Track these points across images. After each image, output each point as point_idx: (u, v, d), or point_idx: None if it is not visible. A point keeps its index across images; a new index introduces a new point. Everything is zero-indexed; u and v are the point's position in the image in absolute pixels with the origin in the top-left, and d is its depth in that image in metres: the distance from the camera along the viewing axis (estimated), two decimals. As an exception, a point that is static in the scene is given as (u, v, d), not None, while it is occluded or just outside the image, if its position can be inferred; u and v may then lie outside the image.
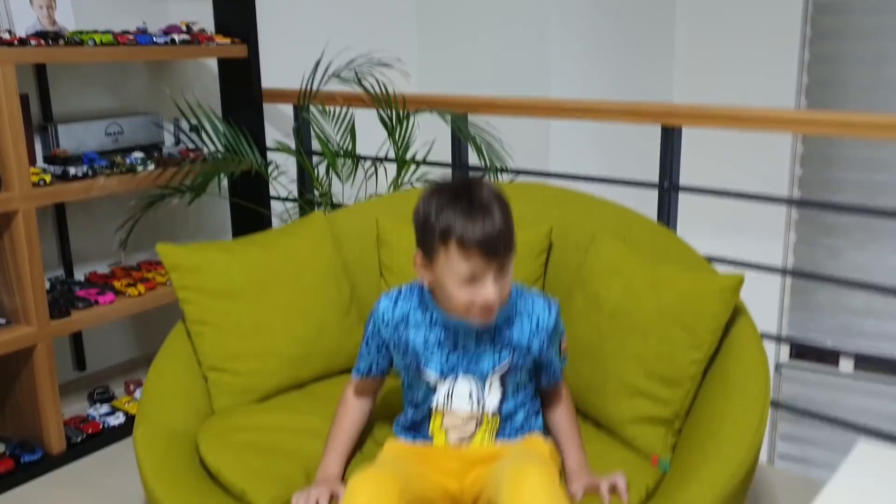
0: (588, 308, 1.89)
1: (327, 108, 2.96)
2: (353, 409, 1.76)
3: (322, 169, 3.00)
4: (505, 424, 1.66)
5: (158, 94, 3.00)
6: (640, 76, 4.28)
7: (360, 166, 2.99)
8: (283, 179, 3.21)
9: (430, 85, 3.92)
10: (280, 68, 3.14)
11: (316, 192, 3.05)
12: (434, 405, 1.65)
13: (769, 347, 4.59)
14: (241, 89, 2.96)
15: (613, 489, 1.56)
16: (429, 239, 1.52)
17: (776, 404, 2.54)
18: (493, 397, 1.64)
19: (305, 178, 3.17)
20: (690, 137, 3.50)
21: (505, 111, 2.77)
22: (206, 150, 2.85)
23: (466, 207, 1.48)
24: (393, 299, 1.68)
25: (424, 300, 1.65)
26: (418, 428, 1.69)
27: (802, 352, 4.62)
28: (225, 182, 3.02)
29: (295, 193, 3.26)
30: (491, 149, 2.83)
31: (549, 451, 1.66)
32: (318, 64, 2.96)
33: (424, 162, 2.91)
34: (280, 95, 3.11)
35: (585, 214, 2.11)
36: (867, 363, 4.41)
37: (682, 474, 1.59)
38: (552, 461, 1.63)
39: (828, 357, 4.56)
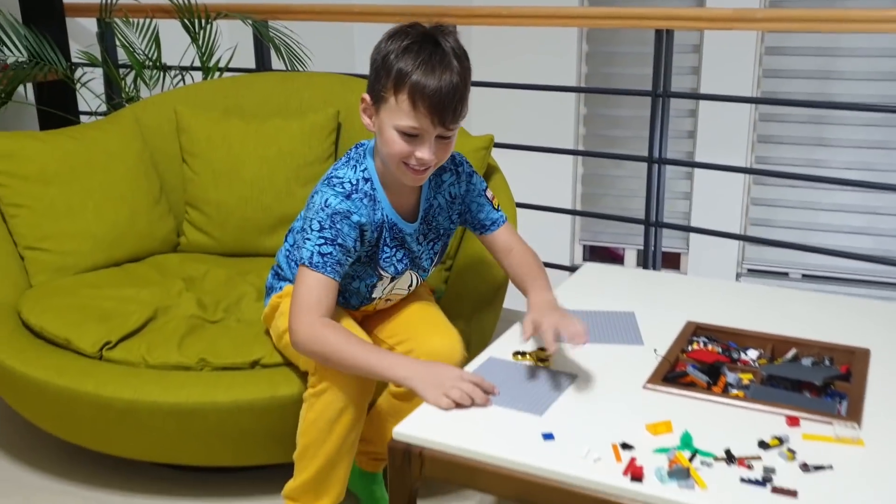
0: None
1: (131, 20, 3.07)
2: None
3: (130, 80, 3.11)
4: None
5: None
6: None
7: (167, 76, 3.13)
8: (88, 95, 3.29)
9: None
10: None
11: (125, 103, 3.15)
12: (379, 295, 1.67)
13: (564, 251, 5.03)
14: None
15: (559, 336, 1.41)
16: (381, 81, 1.41)
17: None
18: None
19: (113, 89, 3.26)
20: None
21: (302, 16, 2.99)
22: (10, 61, 2.90)
23: (428, 57, 1.39)
24: (357, 205, 1.51)
25: (375, 196, 1.54)
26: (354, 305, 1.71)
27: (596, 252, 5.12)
28: (31, 93, 3.08)
29: (103, 108, 3.35)
30: (291, 51, 3.05)
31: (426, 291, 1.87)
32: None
33: (228, 68, 3.09)
34: (81, 9, 3.18)
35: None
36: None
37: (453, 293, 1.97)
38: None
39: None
